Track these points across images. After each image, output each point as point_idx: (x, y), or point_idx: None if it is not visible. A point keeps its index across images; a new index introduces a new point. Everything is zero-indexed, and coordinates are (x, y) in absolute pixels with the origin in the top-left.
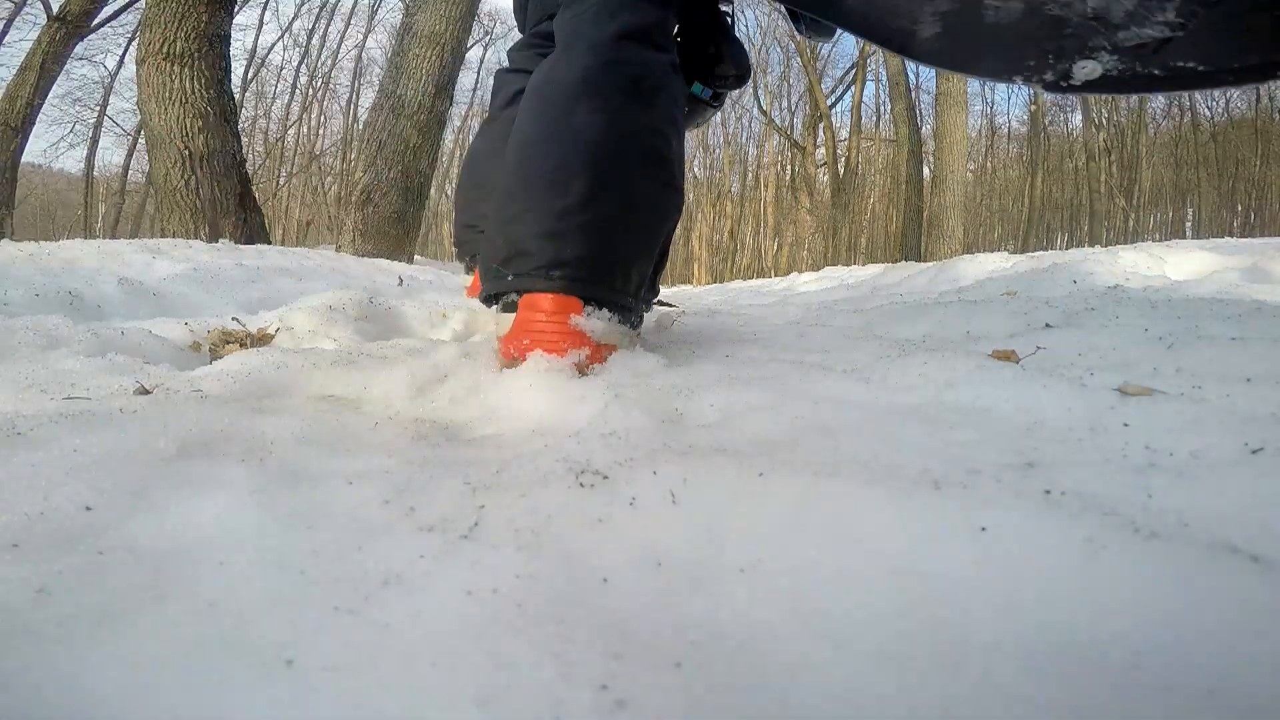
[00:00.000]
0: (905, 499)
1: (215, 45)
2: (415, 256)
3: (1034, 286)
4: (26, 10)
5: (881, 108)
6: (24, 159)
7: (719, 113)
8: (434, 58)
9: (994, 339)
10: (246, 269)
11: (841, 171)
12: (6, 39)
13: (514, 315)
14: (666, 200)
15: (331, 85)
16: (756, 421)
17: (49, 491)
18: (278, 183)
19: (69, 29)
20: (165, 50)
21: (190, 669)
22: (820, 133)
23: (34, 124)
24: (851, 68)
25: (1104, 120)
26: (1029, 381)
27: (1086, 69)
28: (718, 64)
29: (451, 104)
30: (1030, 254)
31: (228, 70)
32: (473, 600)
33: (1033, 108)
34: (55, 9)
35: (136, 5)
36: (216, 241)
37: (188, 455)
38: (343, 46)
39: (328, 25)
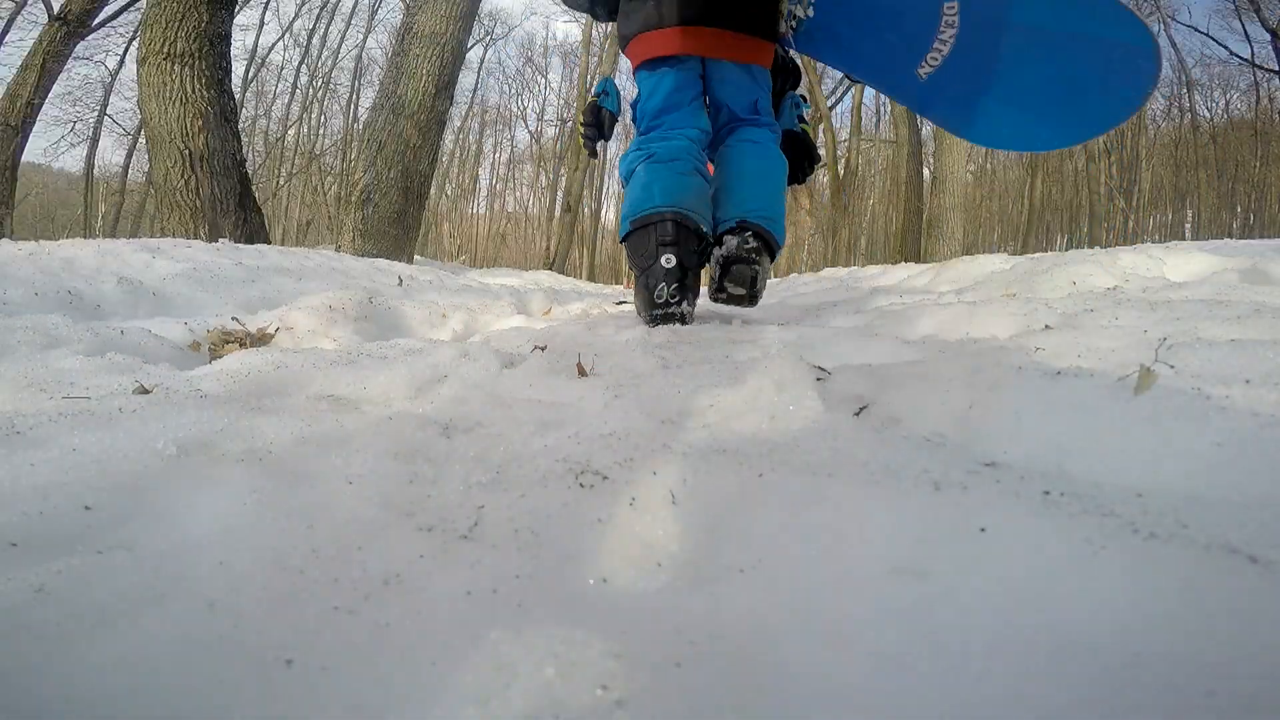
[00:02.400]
0: (905, 499)
1: (216, 45)
2: (415, 256)
3: (1033, 288)
4: (27, 10)
5: (881, 109)
6: (24, 158)
7: None
8: (434, 58)
9: (993, 340)
10: (246, 269)
11: (841, 173)
12: (7, 39)
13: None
14: None
15: (331, 85)
16: (756, 421)
17: (48, 491)
18: (278, 183)
19: (70, 28)
20: (166, 50)
21: (190, 669)
22: (820, 134)
23: (34, 123)
24: None
25: None
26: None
27: None
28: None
29: (451, 104)
30: (1030, 255)
31: (228, 70)
32: (473, 600)
33: None
34: (56, 9)
35: (137, 5)
36: (216, 241)
37: (188, 455)
38: (343, 46)
39: (328, 25)
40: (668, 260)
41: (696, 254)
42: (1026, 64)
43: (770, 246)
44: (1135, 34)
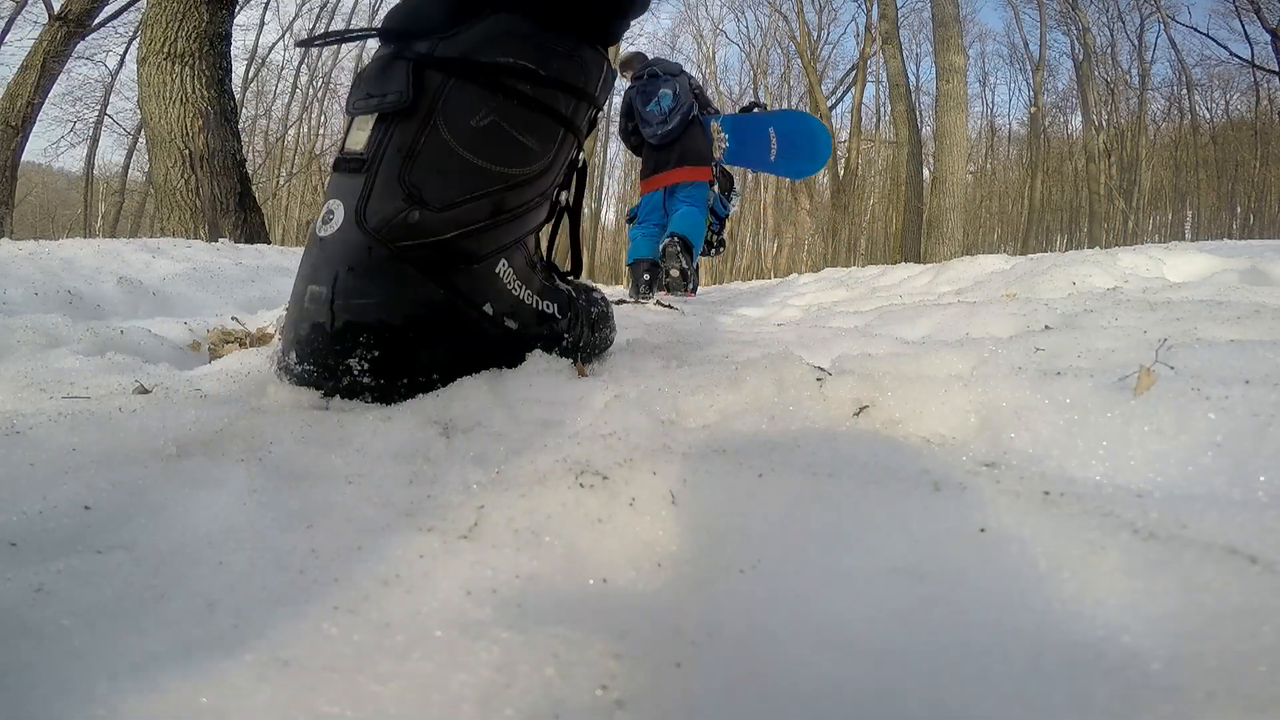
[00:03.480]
0: (905, 499)
1: (216, 45)
2: None
3: (1033, 288)
4: (27, 9)
5: (882, 109)
6: (24, 158)
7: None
8: None
9: (993, 341)
10: (246, 268)
11: (841, 173)
12: (7, 39)
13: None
14: None
15: (331, 85)
16: (756, 421)
17: (47, 491)
18: (278, 183)
19: (70, 28)
20: (166, 49)
21: (190, 669)
22: None
23: (34, 123)
24: (852, 69)
25: (1104, 122)
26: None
27: None
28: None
29: None
30: (1030, 255)
31: (228, 70)
32: (473, 600)
33: (1032, 110)
34: (57, 8)
35: (137, 5)
36: (216, 241)
37: (187, 455)
38: (343, 46)
39: (328, 25)
40: (638, 272)
41: (649, 271)
42: (789, 143)
43: (689, 247)
44: (825, 134)
